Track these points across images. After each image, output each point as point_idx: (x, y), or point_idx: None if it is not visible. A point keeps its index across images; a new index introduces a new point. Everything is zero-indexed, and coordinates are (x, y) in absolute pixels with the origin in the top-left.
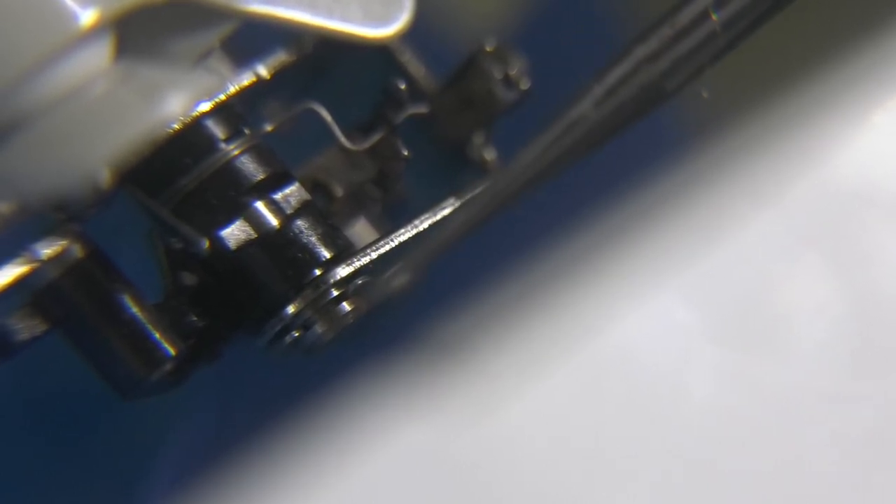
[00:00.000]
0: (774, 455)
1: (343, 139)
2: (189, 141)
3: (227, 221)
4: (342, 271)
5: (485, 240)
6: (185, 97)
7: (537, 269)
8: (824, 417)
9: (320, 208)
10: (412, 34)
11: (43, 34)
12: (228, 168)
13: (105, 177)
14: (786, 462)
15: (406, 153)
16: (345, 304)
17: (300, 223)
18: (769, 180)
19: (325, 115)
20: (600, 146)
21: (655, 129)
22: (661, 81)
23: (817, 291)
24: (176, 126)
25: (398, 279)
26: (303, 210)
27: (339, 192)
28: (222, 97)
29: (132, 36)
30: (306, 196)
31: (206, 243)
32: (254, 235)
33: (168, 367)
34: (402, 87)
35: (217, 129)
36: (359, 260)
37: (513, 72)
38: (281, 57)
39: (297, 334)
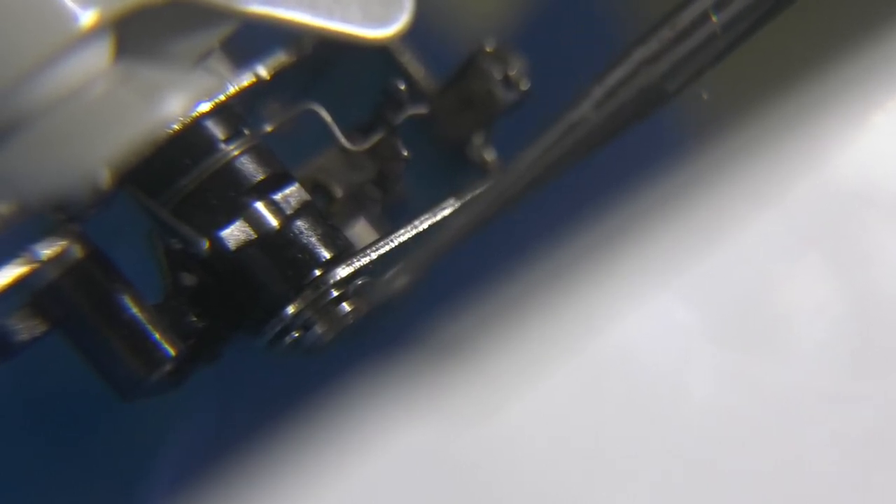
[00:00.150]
0: (774, 455)
1: (343, 140)
2: (189, 141)
3: (227, 222)
4: (342, 272)
5: (485, 240)
6: (185, 98)
7: (538, 269)
8: (824, 417)
9: (320, 209)
10: (412, 35)
11: (43, 35)
12: (228, 168)
13: (105, 177)
14: (786, 462)
15: (406, 154)
16: (345, 304)
17: (300, 224)
18: (769, 181)
19: (325, 115)
20: (601, 148)
21: (656, 130)
22: (662, 83)
23: (817, 291)
24: (176, 126)
25: (399, 280)
26: (303, 210)
27: (338, 192)
28: (222, 98)
29: (132, 36)
30: (306, 196)
31: (205, 244)
32: (254, 236)
33: (168, 367)
34: (402, 87)
35: (217, 130)
36: (359, 260)
37: (513, 72)
38: (281, 57)
39: (297, 335)
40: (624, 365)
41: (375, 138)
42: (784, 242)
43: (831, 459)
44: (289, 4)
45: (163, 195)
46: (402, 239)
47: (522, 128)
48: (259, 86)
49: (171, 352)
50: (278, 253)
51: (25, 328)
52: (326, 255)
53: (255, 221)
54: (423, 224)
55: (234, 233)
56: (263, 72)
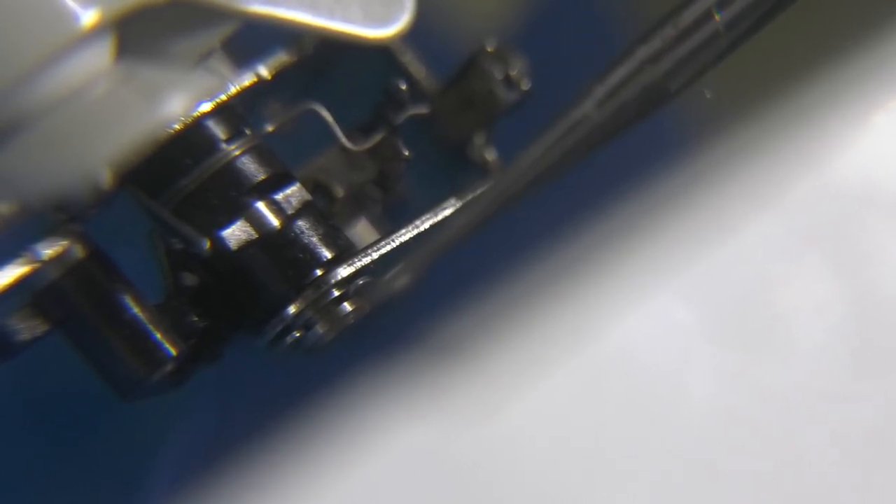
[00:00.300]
0: (774, 455)
1: (344, 140)
2: (190, 141)
3: (228, 222)
4: (343, 272)
5: (486, 240)
6: (186, 98)
7: (538, 269)
8: (824, 417)
9: (321, 209)
10: (413, 34)
11: (44, 35)
12: (229, 168)
13: (106, 177)
14: (786, 462)
15: (407, 154)
16: (346, 304)
17: (301, 224)
18: (769, 181)
19: (326, 115)
20: (602, 147)
21: (656, 131)
22: (664, 82)
23: (817, 292)
24: (177, 126)
25: (399, 279)
26: (304, 210)
27: (339, 192)
28: (223, 98)
29: (133, 36)
30: (307, 196)
31: (206, 244)
32: (255, 236)
33: (169, 367)
34: (403, 87)
35: (218, 130)
36: (360, 260)
37: (513, 72)
38: (282, 57)
39: (297, 335)
40: (624, 365)
41: (376, 138)
42: (784, 243)
43: (831, 459)
44: (290, 4)
45: (164, 195)
46: (403, 239)
47: (523, 128)
48: (260, 86)
49: (172, 352)
50: (279, 253)
51: (26, 328)
52: (327, 254)
53: (257, 221)
54: (424, 224)
55: (236, 233)
56: (264, 72)
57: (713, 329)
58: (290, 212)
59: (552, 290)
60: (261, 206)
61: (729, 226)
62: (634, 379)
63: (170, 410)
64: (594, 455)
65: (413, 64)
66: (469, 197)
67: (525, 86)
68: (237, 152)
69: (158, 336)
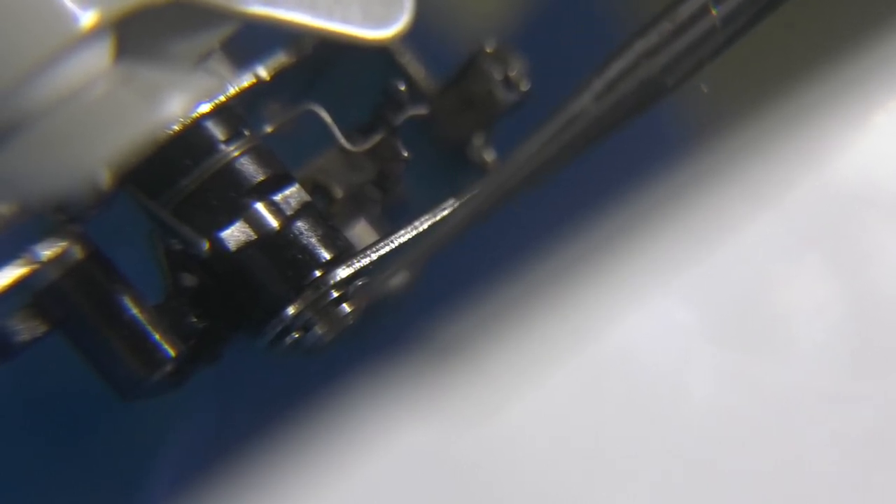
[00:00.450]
0: (774, 455)
1: (343, 140)
2: (189, 142)
3: (228, 223)
4: (342, 272)
5: (485, 240)
6: (186, 98)
7: (538, 269)
8: (824, 417)
9: (320, 210)
10: (412, 35)
11: (43, 35)
12: (228, 169)
13: (105, 178)
14: (786, 462)
15: (406, 154)
16: (345, 305)
17: (300, 224)
18: (769, 181)
19: (325, 116)
20: (600, 141)
21: (656, 130)
22: (661, 76)
23: (817, 292)
24: (176, 127)
25: (397, 276)
26: (303, 211)
27: (339, 193)
28: (222, 98)
29: (132, 37)
30: (306, 197)
31: (206, 244)
32: (254, 237)
33: (168, 368)
34: (402, 88)
35: (217, 131)
36: (359, 261)
37: (513, 73)
38: (281, 58)
39: (297, 335)
40: (624, 365)
41: (375, 139)
42: (784, 243)
43: (831, 459)
44: (289, 5)
45: (163, 196)
46: (403, 240)
47: (523, 128)
48: (259, 86)
49: (172, 352)
50: (278, 253)
51: (26, 329)
52: (326, 255)
53: (256, 222)
54: (423, 225)
55: (235, 233)
56: (264, 72)
57: (713, 329)
58: (289, 213)
59: (552, 290)
60: (260, 206)
61: (729, 226)
62: (634, 379)
63: (170, 410)
64: (594, 455)
65: (412, 65)
66: (467, 192)
67: (524, 86)
68: (236, 153)
69: (158, 337)
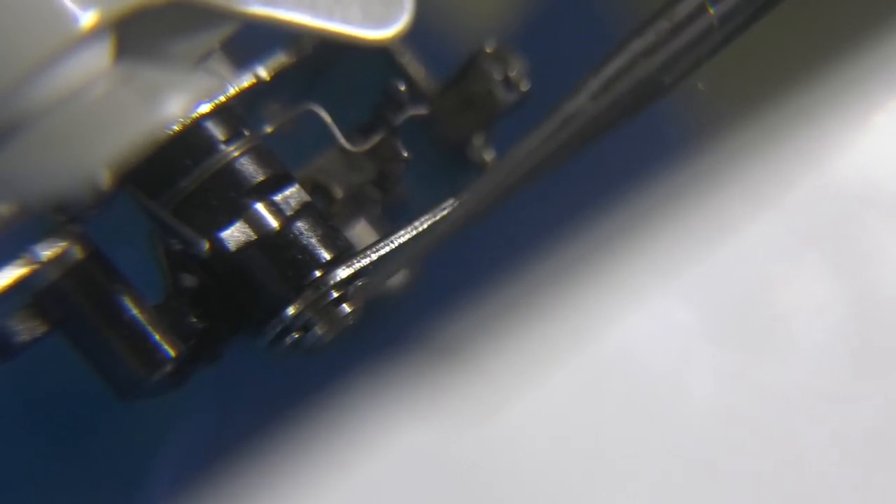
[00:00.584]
0: (774, 455)
1: (343, 140)
2: (189, 142)
3: (228, 223)
4: (342, 273)
5: (485, 241)
6: (186, 98)
7: (538, 269)
8: (824, 417)
9: (320, 210)
10: (412, 35)
11: (43, 36)
12: (228, 169)
13: (105, 178)
14: (786, 462)
15: (406, 154)
16: (345, 305)
17: (300, 225)
18: (769, 181)
19: (325, 116)
20: (597, 140)
21: (655, 130)
22: (658, 75)
23: (817, 292)
24: (176, 127)
25: (397, 278)
26: (303, 211)
27: (338, 193)
28: (222, 98)
29: (132, 37)
30: (306, 197)
31: (206, 245)
32: (254, 237)
33: (168, 368)
34: (402, 88)
35: (217, 131)
36: (359, 261)
37: (513, 73)
38: (281, 58)
39: (297, 335)
40: (624, 365)
41: (375, 139)
42: (784, 243)
43: (831, 459)
44: (289, 5)
45: (163, 196)
46: (403, 240)
47: (523, 128)
48: (259, 86)
49: (172, 353)
50: (278, 254)
51: (26, 329)
52: (326, 256)
53: (256, 222)
54: (423, 225)
55: (235, 234)
56: (263, 73)
57: (713, 329)
58: (289, 213)
59: (552, 291)
60: (260, 207)
61: (729, 226)
62: (634, 379)
63: (170, 410)
64: (594, 455)
65: (412, 65)
66: (465, 191)
67: (524, 86)
68: (236, 153)
69: (158, 337)
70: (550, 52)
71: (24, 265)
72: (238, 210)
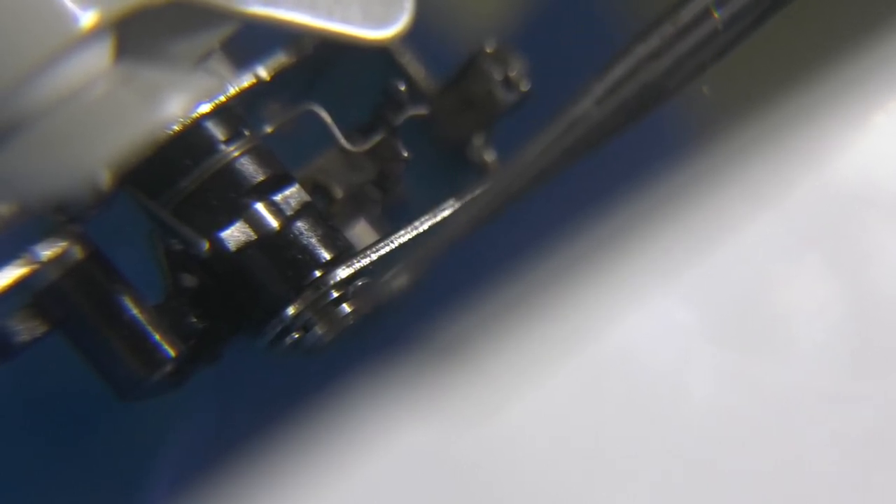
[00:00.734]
0: (774, 455)
1: (343, 141)
2: (189, 142)
3: (228, 223)
4: (342, 273)
5: (485, 241)
6: (186, 99)
7: (538, 269)
8: (824, 417)
9: (320, 210)
10: (412, 35)
11: (43, 36)
12: (228, 169)
13: (105, 178)
14: (786, 462)
15: (406, 154)
16: (345, 305)
17: (300, 225)
18: (769, 181)
19: (325, 116)
20: (601, 145)
21: (656, 131)
22: (663, 80)
23: (817, 292)
24: (176, 127)
25: (398, 279)
26: (303, 211)
27: (339, 193)
28: (222, 99)
29: (132, 37)
30: (306, 197)
31: (206, 245)
32: (254, 237)
33: (168, 368)
34: (402, 88)
35: (217, 131)
36: (359, 261)
37: (513, 73)
38: (281, 58)
39: (297, 335)
40: (624, 365)
41: (375, 139)
42: (784, 243)
43: (831, 459)
44: (289, 5)
45: (163, 196)
46: (403, 240)
47: (522, 129)
48: (259, 86)
49: (172, 353)
50: (278, 254)
51: (26, 329)
52: (326, 256)
53: (256, 222)
54: (423, 225)
55: (235, 234)
56: (263, 73)
57: (713, 329)
58: (289, 213)
59: (552, 291)
60: (260, 207)
61: (729, 226)
62: (634, 379)
63: (170, 410)
64: (594, 455)
65: (412, 65)
66: (468, 196)
67: (524, 87)
68: (236, 153)
69: (158, 337)
70: (550, 52)
71: (24, 265)
72: (238, 210)
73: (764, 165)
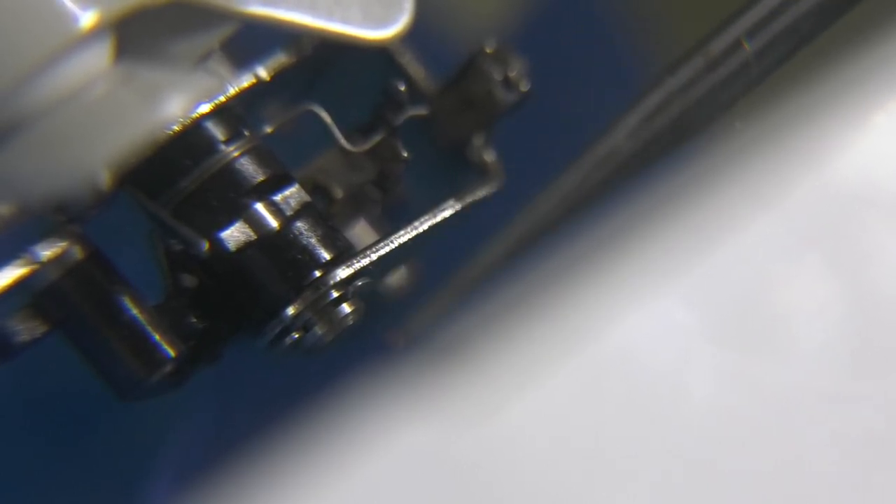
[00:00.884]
0: (774, 455)
1: (343, 141)
2: (189, 142)
3: (227, 223)
4: (342, 273)
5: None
6: (185, 99)
7: (538, 269)
8: (824, 417)
9: (320, 210)
10: (412, 35)
11: (43, 36)
12: (228, 170)
13: (105, 178)
14: (786, 462)
15: (406, 155)
16: (345, 305)
17: (300, 225)
18: (770, 181)
19: (325, 116)
20: (633, 177)
21: None
22: (694, 112)
23: (817, 292)
24: (176, 128)
25: (398, 279)
26: (303, 212)
27: (338, 193)
28: (222, 99)
29: (132, 37)
30: (306, 198)
31: (205, 245)
32: (253, 237)
33: (168, 368)
34: (402, 88)
35: (217, 131)
36: (359, 261)
37: (512, 73)
38: (281, 58)
39: (297, 335)
40: (624, 365)
41: (375, 139)
42: (784, 243)
43: (831, 459)
44: (289, 5)
45: (163, 196)
46: (403, 240)
47: (522, 129)
48: (259, 87)
49: (172, 353)
50: (278, 254)
51: (26, 329)
52: (326, 256)
53: (255, 222)
54: (423, 225)
55: (234, 234)
56: (263, 73)
57: (713, 329)
58: (288, 213)
59: (552, 291)
60: (260, 207)
61: (729, 226)
62: (634, 379)
63: (170, 410)
64: (594, 455)
65: (412, 65)
66: (502, 231)
67: (524, 87)
68: (236, 153)
69: (157, 337)
70: (550, 52)
71: (24, 265)
72: (238, 210)
73: (764, 166)
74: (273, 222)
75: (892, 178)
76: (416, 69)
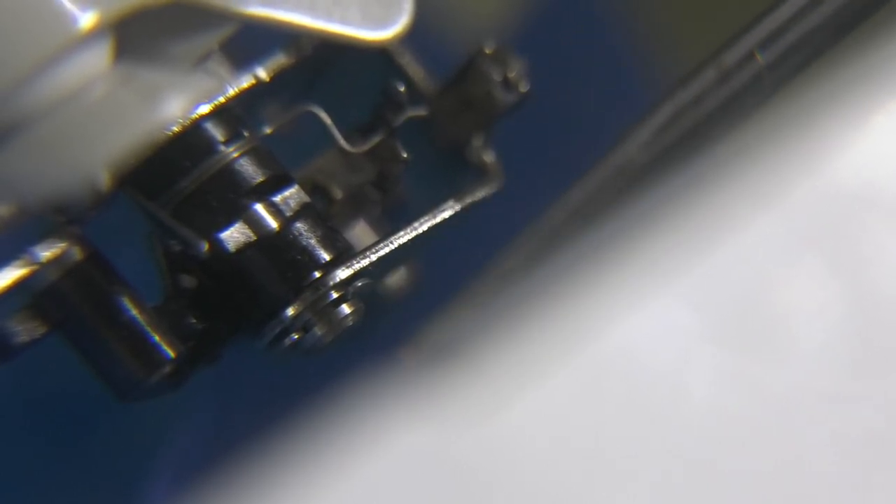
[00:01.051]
0: (774, 455)
1: (342, 141)
2: (188, 143)
3: (227, 224)
4: (342, 273)
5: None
6: (185, 99)
7: (538, 269)
8: (824, 417)
9: (320, 210)
10: (411, 36)
11: (42, 37)
12: (228, 170)
13: (104, 179)
14: (786, 462)
15: (405, 155)
16: (344, 306)
17: (299, 225)
18: (769, 182)
19: (325, 117)
20: (645, 189)
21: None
22: (707, 124)
23: (817, 292)
24: (175, 128)
25: (398, 279)
26: (302, 212)
27: (338, 194)
28: (221, 99)
29: (132, 38)
30: (306, 198)
31: (205, 245)
32: (253, 238)
33: (167, 369)
34: (402, 89)
35: (216, 132)
36: (358, 262)
37: (512, 74)
38: (280, 59)
39: (296, 336)
40: (624, 365)
41: (375, 140)
42: (784, 243)
43: (831, 459)
44: (288, 6)
45: (162, 197)
46: (402, 241)
47: (522, 129)
48: (259, 87)
49: (171, 353)
50: (278, 255)
51: (25, 330)
52: (326, 256)
53: (255, 223)
54: (422, 226)
55: (234, 234)
56: (263, 73)
57: (713, 329)
58: (288, 213)
59: (552, 291)
60: (259, 207)
61: (729, 226)
62: (634, 379)
63: (169, 411)
64: (594, 455)
65: (411, 66)
66: (513, 242)
67: (523, 87)
68: (235, 154)
69: (157, 338)
70: (550, 53)
71: (24, 266)
72: (237, 211)
73: (764, 166)
74: (272, 223)
75: (892, 178)
76: (415, 70)
